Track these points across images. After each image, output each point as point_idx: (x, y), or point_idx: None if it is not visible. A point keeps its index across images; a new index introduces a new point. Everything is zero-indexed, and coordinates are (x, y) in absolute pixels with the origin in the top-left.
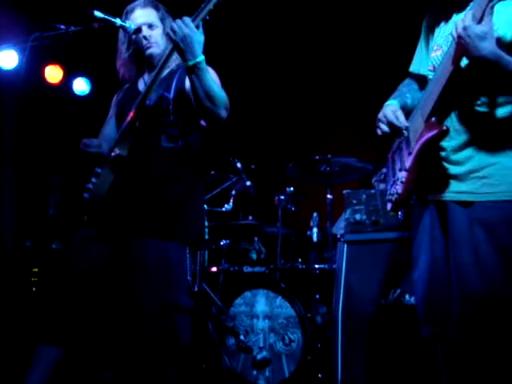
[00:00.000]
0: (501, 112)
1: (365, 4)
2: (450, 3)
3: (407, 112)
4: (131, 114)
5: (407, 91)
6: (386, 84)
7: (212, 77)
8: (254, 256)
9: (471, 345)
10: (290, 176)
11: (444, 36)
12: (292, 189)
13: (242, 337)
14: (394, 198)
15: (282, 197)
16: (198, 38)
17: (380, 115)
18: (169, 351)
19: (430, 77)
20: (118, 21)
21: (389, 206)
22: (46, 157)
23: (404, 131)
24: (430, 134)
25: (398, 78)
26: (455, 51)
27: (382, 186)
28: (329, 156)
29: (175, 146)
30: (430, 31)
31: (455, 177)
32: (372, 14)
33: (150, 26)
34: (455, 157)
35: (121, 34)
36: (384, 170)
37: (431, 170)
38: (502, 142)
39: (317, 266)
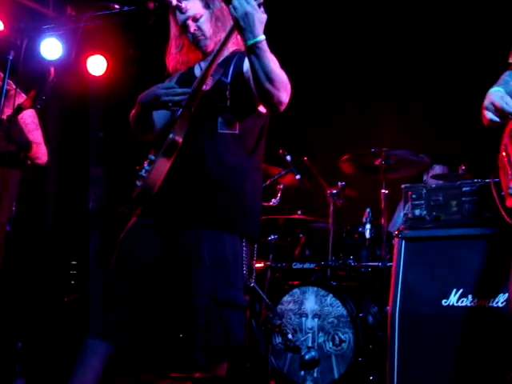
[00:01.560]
0: None
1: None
2: None
3: None
4: (187, 99)
5: (511, 79)
6: (443, 73)
7: (273, 58)
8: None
9: None
10: (344, 170)
11: None
12: (344, 183)
13: (289, 336)
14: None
15: (334, 191)
16: (259, 16)
17: (486, 103)
18: (221, 349)
19: None
20: (173, 0)
21: (509, 201)
22: (87, 149)
23: None
24: None
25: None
26: None
27: (432, 181)
28: (384, 149)
29: (232, 132)
30: None
31: None
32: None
33: (195, 19)
34: None
35: (172, 23)
36: (437, 170)
37: None
38: None
39: (369, 263)
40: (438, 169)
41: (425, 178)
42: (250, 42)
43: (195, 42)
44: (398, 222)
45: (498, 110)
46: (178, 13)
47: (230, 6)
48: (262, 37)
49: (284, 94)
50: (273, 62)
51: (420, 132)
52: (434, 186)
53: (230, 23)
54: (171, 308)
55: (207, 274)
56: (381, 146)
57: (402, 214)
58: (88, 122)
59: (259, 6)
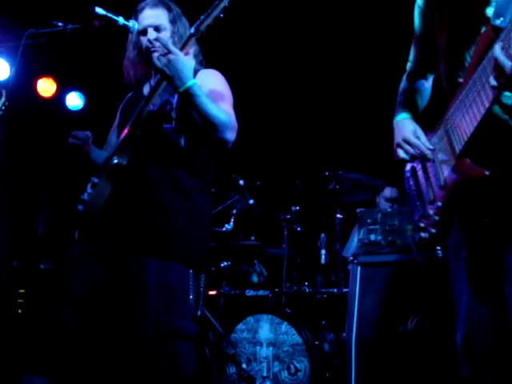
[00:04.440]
0: None
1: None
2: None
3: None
4: (132, 119)
5: (413, 94)
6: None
7: (209, 100)
8: (255, 279)
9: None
10: (298, 194)
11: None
12: (298, 208)
13: (244, 365)
14: (427, 236)
15: (288, 216)
16: (184, 61)
17: (398, 139)
18: (168, 381)
19: (448, 87)
20: (120, 19)
21: (417, 238)
22: (36, 174)
23: (429, 156)
24: (466, 177)
25: None
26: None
27: (386, 204)
28: (339, 172)
29: (178, 155)
30: (428, 24)
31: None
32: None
33: (157, 29)
34: None
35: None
36: (387, 192)
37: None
38: None
39: (324, 289)
40: (387, 191)
41: (377, 200)
42: (181, 89)
43: (149, 53)
44: (352, 247)
45: (414, 148)
46: (141, 18)
47: (154, 57)
48: (192, 81)
49: (227, 134)
50: (209, 105)
51: (372, 155)
52: (389, 210)
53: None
54: (115, 340)
55: (152, 304)
56: (334, 170)
57: (355, 239)
58: (38, 145)
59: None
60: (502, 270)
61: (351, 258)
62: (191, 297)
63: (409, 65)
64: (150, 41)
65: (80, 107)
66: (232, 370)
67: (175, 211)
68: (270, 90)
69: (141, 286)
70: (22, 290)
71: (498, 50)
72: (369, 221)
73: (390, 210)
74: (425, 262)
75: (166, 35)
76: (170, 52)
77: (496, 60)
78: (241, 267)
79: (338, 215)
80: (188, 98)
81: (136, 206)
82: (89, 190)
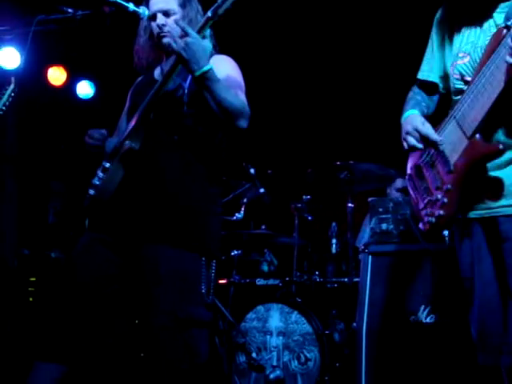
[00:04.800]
0: None
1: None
2: (466, 4)
3: None
4: (145, 103)
5: (422, 100)
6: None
7: (224, 86)
8: (266, 268)
9: None
10: (309, 183)
11: (470, 42)
12: (309, 197)
13: (253, 354)
14: (434, 220)
15: (299, 205)
16: (202, 45)
17: (408, 128)
18: (184, 369)
19: (458, 85)
20: (130, 5)
21: (422, 226)
22: (47, 162)
23: (439, 146)
24: (481, 152)
25: None
26: (507, 74)
27: (397, 194)
28: (350, 162)
29: (190, 140)
30: (446, 36)
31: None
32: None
33: (166, 14)
34: (500, 173)
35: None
36: (398, 183)
37: (474, 187)
38: None
39: (335, 279)
40: (399, 182)
41: (388, 191)
42: (197, 73)
43: (159, 38)
44: (364, 237)
45: (423, 137)
46: (150, 4)
47: (170, 40)
48: (209, 66)
49: (241, 121)
50: (224, 91)
51: (385, 145)
52: (400, 199)
53: None
54: (129, 327)
55: (167, 292)
56: (346, 159)
57: (368, 229)
58: (49, 134)
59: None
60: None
61: (362, 247)
62: (203, 285)
63: (420, 74)
64: (158, 26)
65: (90, 96)
66: (242, 358)
67: (188, 198)
68: (283, 78)
69: (155, 274)
70: (33, 279)
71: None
72: (380, 210)
73: (401, 199)
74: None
75: (175, 19)
76: (187, 34)
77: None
78: (251, 256)
79: (350, 204)
80: (204, 82)
81: (149, 191)
82: (100, 174)
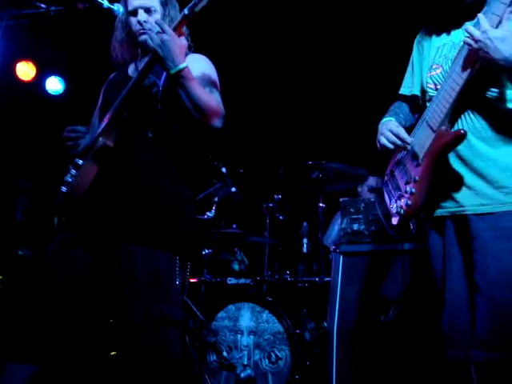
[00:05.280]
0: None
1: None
2: (442, 25)
3: None
4: (119, 100)
5: (400, 112)
6: (380, 89)
7: (199, 85)
8: (236, 267)
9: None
10: (280, 183)
11: (442, 55)
12: (280, 196)
13: (224, 353)
14: (402, 211)
15: (271, 204)
16: (177, 43)
17: (382, 129)
18: (159, 368)
19: (431, 93)
20: (105, 2)
21: (395, 220)
22: (14, 159)
23: (408, 146)
24: (446, 140)
25: (392, 85)
26: (469, 57)
27: (368, 194)
28: (322, 162)
29: (164, 138)
30: (423, 53)
31: (472, 188)
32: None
33: (148, 11)
34: (477, 164)
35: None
36: (371, 181)
37: (442, 184)
38: None
39: (306, 278)
40: (371, 181)
41: (359, 189)
42: (173, 71)
43: (138, 33)
44: (332, 235)
45: (395, 138)
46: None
47: (146, 37)
48: (184, 64)
49: (215, 121)
50: (199, 90)
51: (356, 145)
52: (373, 199)
53: None
54: (102, 328)
55: (141, 292)
56: (318, 159)
57: (336, 227)
58: (17, 130)
59: (180, 34)
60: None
61: (333, 247)
62: (177, 283)
63: (402, 90)
64: (139, 22)
65: (60, 92)
66: (212, 358)
67: (163, 197)
68: (255, 77)
69: (129, 274)
70: (0, 277)
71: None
72: (352, 210)
73: (373, 199)
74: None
75: (156, 17)
76: (164, 32)
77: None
78: (222, 255)
79: (321, 204)
80: (178, 80)
81: (122, 190)
82: (72, 171)
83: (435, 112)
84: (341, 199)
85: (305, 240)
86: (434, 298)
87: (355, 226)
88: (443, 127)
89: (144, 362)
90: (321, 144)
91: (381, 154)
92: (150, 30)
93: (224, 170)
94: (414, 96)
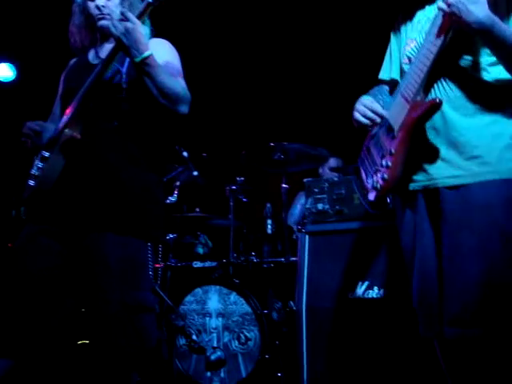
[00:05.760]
0: (491, 75)
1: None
2: (416, 4)
3: None
4: (84, 91)
5: (379, 93)
6: (344, 69)
7: (164, 71)
8: (201, 250)
9: (472, 338)
10: (243, 165)
11: (417, 30)
12: (243, 178)
13: (193, 336)
14: (378, 186)
15: (234, 187)
16: (141, 31)
17: (357, 106)
18: (135, 355)
19: (406, 69)
20: None
21: (372, 195)
22: None
23: (382, 119)
24: (421, 110)
25: (356, 64)
26: (442, 24)
27: (330, 175)
28: (284, 143)
29: (130, 125)
30: (400, 38)
31: (445, 159)
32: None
33: None
34: (450, 134)
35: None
36: (332, 162)
37: (417, 157)
38: (498, 107)
39: (271, 259)
40: (332, 162)
41: (320, 170)
42: (138, 59)
43: (97, 17)
44: (294, 215)
45: (370, 112)
46: None
47: (109, 24)
48: (149, 52)
49: (182, 106)
50: (165, 76)
51: (316, 125)
52: (335, 179)
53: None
54: (77, 317)
55: (114, 280)
56: (279, 140)
57: (298, 207)
58: None
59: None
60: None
61: (298, 227)
62: (150, 269)
63: (381, 74)
64: (98, 7)
65: (11, 79)
66: (182, 341)
67: (131, 184)
68: (215, 59)
69: (102, 262)
70: None
71: None
72: (316, 190)
73: (336, 179)
74: (372, 207)
75: (114, 2)
76: (127, 20)
77: None
78: (185, 239)
79: (284, 185)
80: (144, 68)
81: (91, 179)
82: (39, 164)
83: (409, 83)
84: (305, 180)
85: (269, 221)
86: (404, 272)
87: (320, 206)
88: (418, 97)
89: (121, 350)
90: (282, 125)
91: (344, 134)
92: (108, 14)
93: (185, 154)
94: (392, 80)
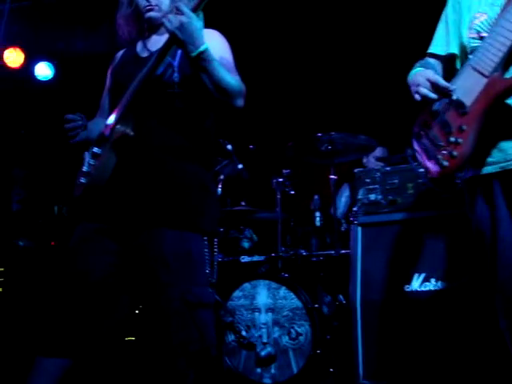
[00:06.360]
0: None
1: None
2: None
3: None
4: (135, 86)
5: (428, 67)
6: (389, 58)
7: (220, 65)
8: (246, 245)
9: None
10: (289, 157)
11: (488, 3)
12: (289, 171)
13: (243, 332)
14: (445, 163)
15: (280, 179)
16: (196, 24)
17: (419, 79)
18: (199, 352)
19: (474, 44)
20: None
21: (435, 173)
22: (7, 149)
23: (452, 93)
24: (504, 85)
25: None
26: None
27: (375, 165)
28: (332, 133)
29: (183, 121)
30: (460, 10)
31: None
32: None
33: None
34: None
35: None
36: (378, 152)
37: (489, 138)
38: None
39: (322, 252)
40: (378, 151)
41: (364, 160)
42: (194, 53)
43: (145, 9)
44: (339, 208)
45: (436, 86)
46: None
47: (164, 19)
48: (205, 45)
49: (238, 101)
50: (221, 71)
51: (360, 114)
52: (388, 169)
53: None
54: (129, 317)
55: (174, 276)
56: (326, 131)
57: (343, 200)
58: (8, 119)
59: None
60: None
61: (344, 219)
62: (207, 264)
63: (433, 48)
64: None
65: (50, 77)
66: (231, 337)
67: (186, 179)
68: (261, 51)
69: (160, 259)
70: (1, 269)
71: None
72: (368, 180)
73: (389, 168)
74: (442, 190)
75: None
76: (182, 13)
77: None
78: (230, 234)
79: (332, 176)
80: (200, 63)
81: (144, 176)
82: (90, 161)
83: (485, 57)
84: (355, 170)
85: (317, 213)
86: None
87: (372, 197)
88: (495, 73)
89: (182, 347)
90: (327, 115)
91: (387, 123)
92: (156, 5)
93: (230, 147)
94: (450, 55)
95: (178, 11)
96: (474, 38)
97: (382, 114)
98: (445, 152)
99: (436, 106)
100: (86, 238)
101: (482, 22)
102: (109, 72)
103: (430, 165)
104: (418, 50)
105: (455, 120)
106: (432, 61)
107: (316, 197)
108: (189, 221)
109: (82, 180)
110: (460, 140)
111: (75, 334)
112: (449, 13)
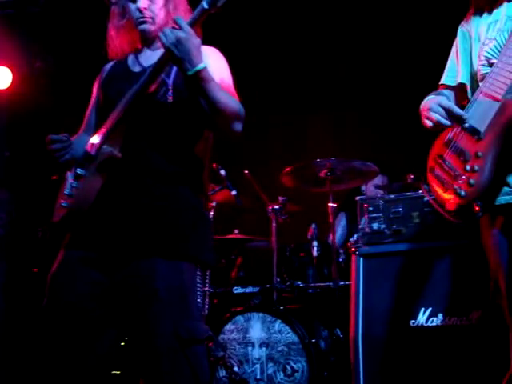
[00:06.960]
0: None
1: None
2: (491, 2)
3: None
4: (125, 103)
5: (444, 95)
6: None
7: (218, 85)
8: (239, 274)
9: None
10: (285, 183)
11: (496, 29)
12: (286, 198)
13: (235, 368)
14: (463, 192)
15: (276, 207)
16: (194, 42)
17: (431, 105)
18: None
19: (484, 71)
20: None
21: (451, 204)
22: None
23: (465, 121)
24: None
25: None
26: None
27: (374, 193)
28: (332, 159)
29: (176, 143)
30: (469, 38)
31: None
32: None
33: None
34: None
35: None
36: (377, 180)
37: (505, 162)
38: None
39: (320, 284)
40: (378, 179)
41: (363, 188)
42: (190, 72)
43: (139, 21)
44: (337, 236)
45: (450, 113)
46: None
47: (161, 34)
48: (203, 65)
49: (236, 125)
50: (219, 91)
51: (358, 142)
52: (392, 196)
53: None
54: (114, 350)
55: (166, 310)
56: (323, 157)
57: (339, 229)
58: None
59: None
60: None
61: (352, 249)
62: (199, 296)
63: (445, 79)
64: (139, 9)
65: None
66: (222, 373)
67: (178, 204)
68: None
69: (151, 291)
70: None
71: None
72: (370, 208)
73: (392, 196)
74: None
75: (157, 5)
76: (179, 28)
77: None
78: (221, 263)
79: (331, 204)
80: (197, 82)
81: (133, 201)
82: (73, 183)
83: (497, 82)
84: (357, 198)
85: (315, 243)
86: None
87: (375, 226)
88: (508, 96)
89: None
90: (322, 139)
91: (387, 150)
92: (151, 18)
93: (223, 172)
94: (460, 85)
95: (176, 25)
96: (483, 65)
97: (382, 142)
98: (461, 181)
99: (449, 136)
100: (68, 267)
101: (490, 49)
102: (96, 85)
103: (448, 197)
104: (421, 78)
105: (471, 147)
106: (445, 91)
107: (314, 225)
108: (182, 250)
109: (64, 203)
110: (477, 167)
111: (55, 368)
112: (459, 42)
